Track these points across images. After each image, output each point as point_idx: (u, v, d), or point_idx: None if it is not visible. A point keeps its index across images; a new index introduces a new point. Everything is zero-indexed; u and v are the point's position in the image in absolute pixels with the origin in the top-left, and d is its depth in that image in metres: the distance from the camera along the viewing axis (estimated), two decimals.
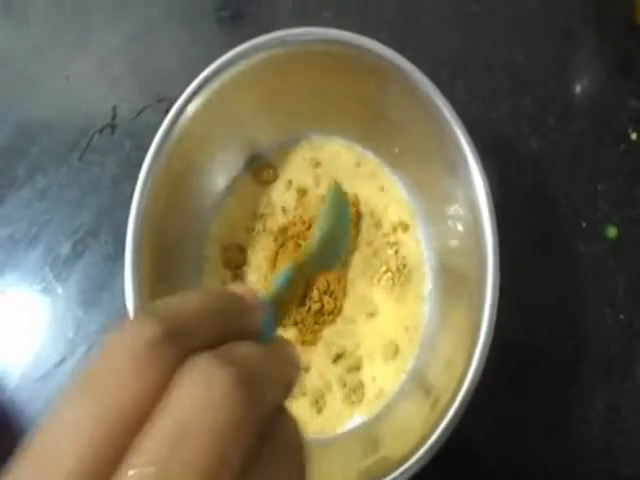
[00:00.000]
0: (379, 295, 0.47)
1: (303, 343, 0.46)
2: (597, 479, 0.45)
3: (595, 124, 0.51)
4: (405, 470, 0.34)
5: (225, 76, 0.40)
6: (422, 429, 0.36)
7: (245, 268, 0.48)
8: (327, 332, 0.46)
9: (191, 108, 0.40)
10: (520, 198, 0.50)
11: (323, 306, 0.46)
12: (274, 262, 0.47)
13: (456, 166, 0.39)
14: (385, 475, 0.34)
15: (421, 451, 0.35)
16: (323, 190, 0.49)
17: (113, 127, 0.52)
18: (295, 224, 0.48)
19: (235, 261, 0.47)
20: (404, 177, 0.48)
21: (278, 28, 0.40)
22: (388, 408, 0.44)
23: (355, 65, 0.41)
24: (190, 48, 0.54)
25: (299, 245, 0.47)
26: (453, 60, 0.52)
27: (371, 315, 0.46)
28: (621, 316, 0.48)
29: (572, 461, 0.45)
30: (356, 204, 0.48)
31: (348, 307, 0.47)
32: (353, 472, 0.39)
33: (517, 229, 0.48)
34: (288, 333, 0.46)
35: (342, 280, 0.47)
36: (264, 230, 0.48)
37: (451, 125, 0.38)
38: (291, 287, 0.27)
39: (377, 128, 0.47)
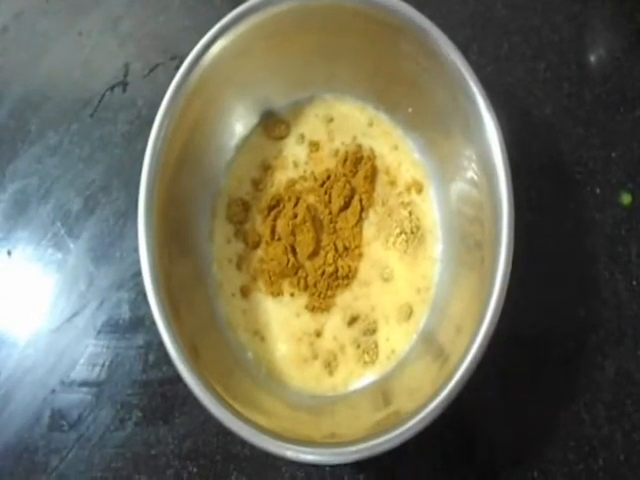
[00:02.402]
0: (394, 259, 0.46)
1: (313, 309, 0.46)
2: (609, 445, 0.45)
3: (610, 90, 0.51)
4: (414, 424, 0.34)
5: (236, 31, 0.40)
6: (431, 387, 0.36)
7: (247, 225, 0.47)
8: (342, 296, 0.46)
9: (203, 62, 0.39)
10: (533, 164, 0.49)
11: (337, 270, 0.46)
12: (274, 224, 0.47)
13: (470, 122, 0.38)
14: (394, 428, 0.34)
15: (430, 407, 0.34)
16: (337, 144, 0.48)
17: (125, 84, 0.52)
18: (306, 179, 0.47)
19: (238, 216, 0.47)
20: (418, 138, 0.47)
21: None
22: (399, 367, 0.44)
23: (370, 21, 0.40)
24: (201, 6, 0.53)
25: (307, 208, 0.46)
26: (468, 23, 0.52)
27: (386, 280, 0.46)
28: (633, 282, 0.47)
29: (582, 426, 0.45)
30: (372, 158, 0.47)
31: (363, 270, 0.46)
32: (363, 425, 0.39)
33: (530, 194, 0.48)
34: (299, 300, 0.46)
35: (357, 238, 0.46)
36: (272, 186, 0.47)
37: (466, 80, 0.38)
38: None
39: (391, 87, 0.46)
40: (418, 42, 0.39)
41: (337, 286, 0.46)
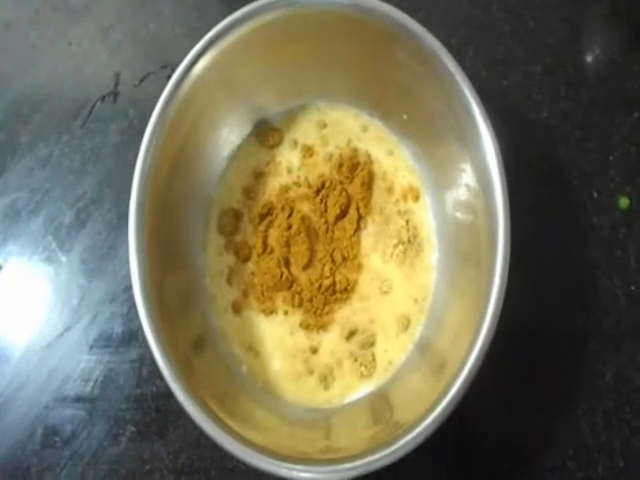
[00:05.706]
0: (392, 271, 0.46)
1: (308, 327, 0.45)
2: (608, 452, 0.45)
3: (607, 93, 0.50)
4: (411, 439, 0.34)
5: (229, 39, 0.39)
6: (429, 397, 0.36)
7: (237, 237, 0.47)
8: (342, 311, 0.45)
9: (195, 72, 0.39)
10: (531, 168, 0.49)
11: (335, 283, 0.45)
12: (265, 235, 0.46)
13: (465, 130, 0.38)
14: (391, 442, 0.34)
15: (427, 421, 0.34)
16: (331, 149, 0.47)
17: (115, 95, 0.52)
18: (300, 185, 0.47)
19: (229, 227, 0.46)
20: (413, 145, 0.47)
21: None
22: (396, 378, 0.44)
23: (363, 28, 0.40)
24: (193, 14, 0.53)
25: (301, 218, 0.45)
26: (463, 26, 0.51)
27: (385, 292, 0.46)
28: (632, 287, 0.47)
29: (580, 434, 0.45)
30: (368, 163, 0.47)
31: (363, 284, 0.46)
32: (360, 438, 0.38)
33: (527, 199, 0.48)
34: (293, 317, 0.45)
35: (355, 248, 0.46)
36: (264, 193, 0.47)
37: (461, 87, 0.37)
38: None
39: (385, 94, 0.46)
40: (412, 49, 0.39)
41: (335, 300, 0.45)
